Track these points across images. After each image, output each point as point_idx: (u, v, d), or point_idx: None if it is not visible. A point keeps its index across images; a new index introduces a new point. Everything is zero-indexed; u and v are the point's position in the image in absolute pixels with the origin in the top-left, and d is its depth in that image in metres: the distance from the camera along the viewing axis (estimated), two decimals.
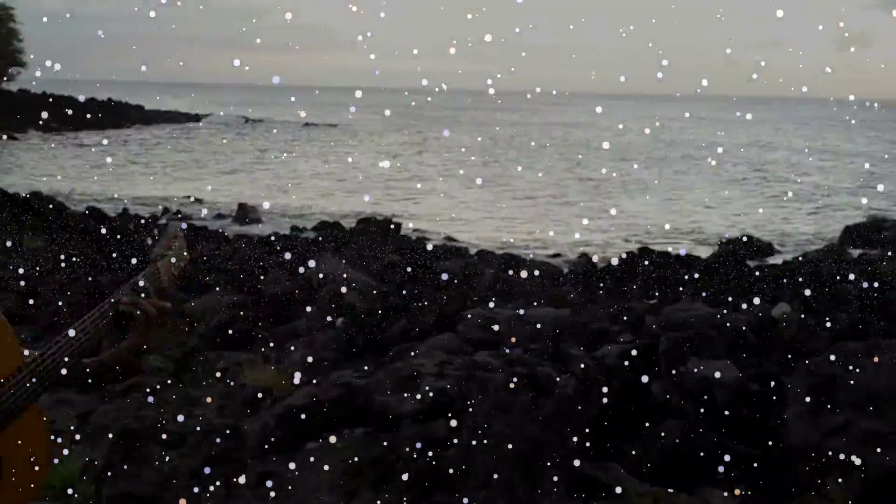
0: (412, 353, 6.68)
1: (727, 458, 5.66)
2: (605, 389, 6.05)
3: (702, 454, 5.72)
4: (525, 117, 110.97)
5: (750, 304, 9.11)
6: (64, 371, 1.98)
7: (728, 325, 7.60)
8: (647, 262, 16.34)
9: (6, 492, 1.91)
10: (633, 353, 6.80)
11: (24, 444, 1.97)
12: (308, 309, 10.58)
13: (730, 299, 10.21)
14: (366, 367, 6.74)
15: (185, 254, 2.33)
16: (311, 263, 13.11)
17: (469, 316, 8.23)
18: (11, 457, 1.95)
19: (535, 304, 9.72)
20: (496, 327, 7.93)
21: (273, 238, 18.53)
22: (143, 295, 2.13)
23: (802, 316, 8.70)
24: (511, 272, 14.63)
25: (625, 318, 8.40)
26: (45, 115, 57.69)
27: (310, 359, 7.37)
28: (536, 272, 15.10)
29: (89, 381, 2.10)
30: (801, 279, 12.98)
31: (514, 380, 5.71)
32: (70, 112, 57.01)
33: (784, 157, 56.50)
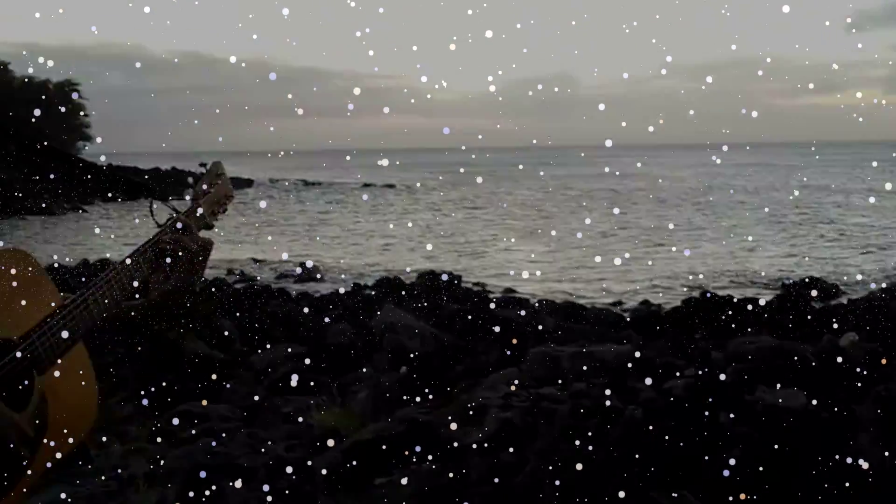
0: (476, 388, 6.72)
1: (797, 483, 5.59)
2: (671, 419, 6.02)
3: (769, 481, 5.65)
4: (574, 170, 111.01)
5: (817, 336, 9.00)
6: (109, 310, 1.98)
7: (795, 355, 7.52)
8: (709, 307, 16.20)
9: (58, 429, 1.94)
10: (699, 383, 6.76)
11: (72, 381, 1.98)
12: (372, 356, 10.71)
13: (795, 333, 10.09)
14: (429, 404, 6.80)
15: (228, 190, 2.33)
16: (374, 314, 13.26)
17: (532, 354, 8.26)
18: (62, 395, 1.96)
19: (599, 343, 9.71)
20: (560, 363, 7.94)
21: (335, 294, 18.74)
22: (185, 231, 2.13)
23: (871, 345, 8.56)
24: (572, 319, 14.64)
25: (689, 351, 8.35)
26: (110, 186, 59.16)
27: (375, 399, 7.44)
28: (598, 318, 15.09)
29: (137, 321, 2.11)
30: (868, 315, 12.76)
31: (581, 410, 5.73)
32: (135, 181, 58.29)
33: (839, 199, 55.77)
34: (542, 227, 40.48)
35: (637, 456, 5.28)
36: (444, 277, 21.67)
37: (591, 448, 5.09)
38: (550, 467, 5.01)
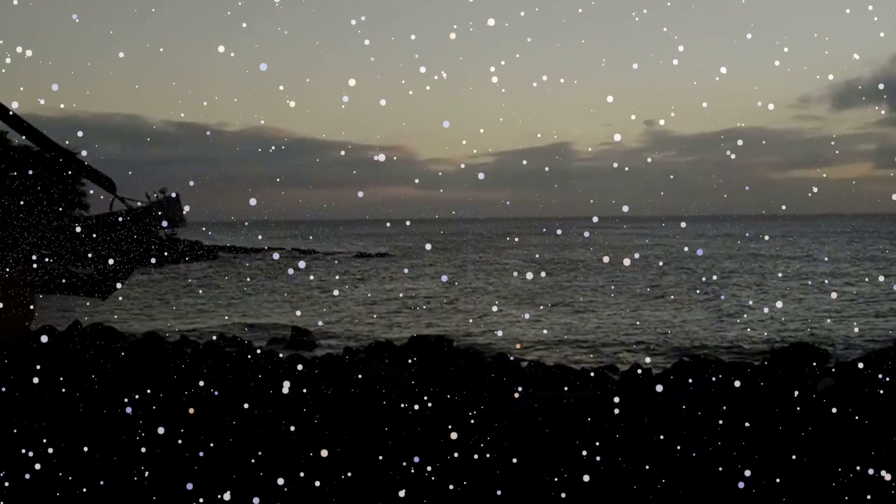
0: None
1: None
2: None
3: None
4: (568, 238, 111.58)
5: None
6: None
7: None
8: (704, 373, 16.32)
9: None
10: None
11: None
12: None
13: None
14: None
15: None
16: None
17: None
18: None
19: None
20: None
21: (324, 358, 18.82)
22: None
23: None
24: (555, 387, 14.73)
25: None
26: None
27: None
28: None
29: None
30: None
31: None
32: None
33: (834, 267, 56.19)
34: (535, 290, 40.71)
35: None
36: (435, 341, 21.78)
37: None
38: None
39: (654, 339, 25.34)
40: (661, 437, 9.21)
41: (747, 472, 7.45)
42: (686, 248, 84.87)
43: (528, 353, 22.74)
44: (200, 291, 43.23)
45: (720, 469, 7.61)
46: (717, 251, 79.65)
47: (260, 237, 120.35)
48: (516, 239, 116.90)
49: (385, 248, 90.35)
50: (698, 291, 41.01)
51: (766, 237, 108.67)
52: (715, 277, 49.23)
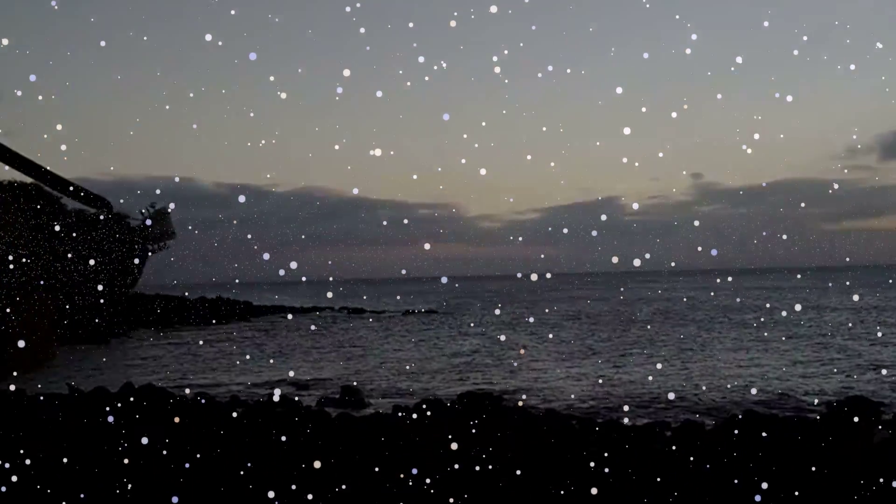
0: None
1: None
2: None
3: None
4: (610, 293, 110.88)
5: None
6: None
7: None
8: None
9: None
10: None
11: None
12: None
13: None
14: None
15: None
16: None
17: None
18: None
19: None
20: None
21: (374, 416, 18.84)
22: None
23: None
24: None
25: None
26: (156, 314, 60.34)
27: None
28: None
29: None
30: None
31: None
32: (182, 311, 59.67)
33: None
34: (585, 345, 40.51)
35: None
36: (485, 397, 21.70)
37: None
38: None
39: (702, 394, 25.05)
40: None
41: None
42: (738, 300, 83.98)
43: (575, 409, 22.57)
44: (249, 351, 43.61)
45: None
46: (770, 302, 78.76)
47: (308, 295, 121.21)
48: (563, 292, 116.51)
49: (434, 304, 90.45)
50: (750, 343, 40.60)
51: (830, 285, 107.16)
52: (765, 332, 48.67)
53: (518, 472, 11.44)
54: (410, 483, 10.69)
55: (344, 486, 10.96)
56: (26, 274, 43.52)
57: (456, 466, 11.25)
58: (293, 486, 11.03)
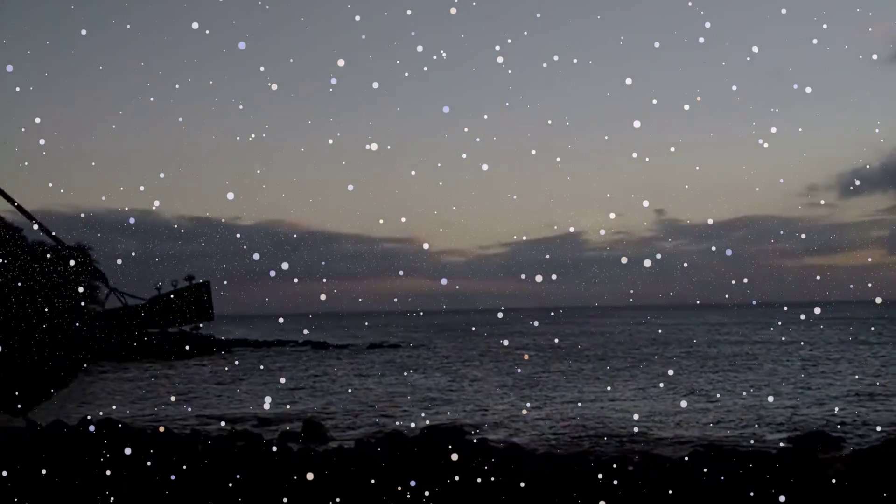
0: None
1: None
2: None
3: None
4: (581, 328, 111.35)
5: None
6: None
7: None
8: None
9: None
10: None
11: None
12: None
13: None
14: None
15: None
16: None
17: None
18: None
19: None
20: None
21: (337, 450, 18.75)
22: None
23: None
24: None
25: None
26: (119, 347, 59.67)
27: None
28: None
29: None
30: None
31: None
32: (144, 344, 59.01)
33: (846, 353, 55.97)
34: (549, 380, 40.60)
35: None
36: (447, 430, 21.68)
37: None
38: None
39: (667, 428, 25.17)
40: None
41: None
42: (704, 337, 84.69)
43: (540, 445, 22.60)
44: (212, 385, 43.23)
45: None
46: (723, 338, 79.60)
47: (270, 330, 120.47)
48: (536, 323, 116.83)
49: (398, 339, 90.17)
50: (711, 378, 40.95)
51: (779, 323, 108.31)
52: (727, 365, 49.15)
53: None
54: None
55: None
56: None
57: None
58: None
